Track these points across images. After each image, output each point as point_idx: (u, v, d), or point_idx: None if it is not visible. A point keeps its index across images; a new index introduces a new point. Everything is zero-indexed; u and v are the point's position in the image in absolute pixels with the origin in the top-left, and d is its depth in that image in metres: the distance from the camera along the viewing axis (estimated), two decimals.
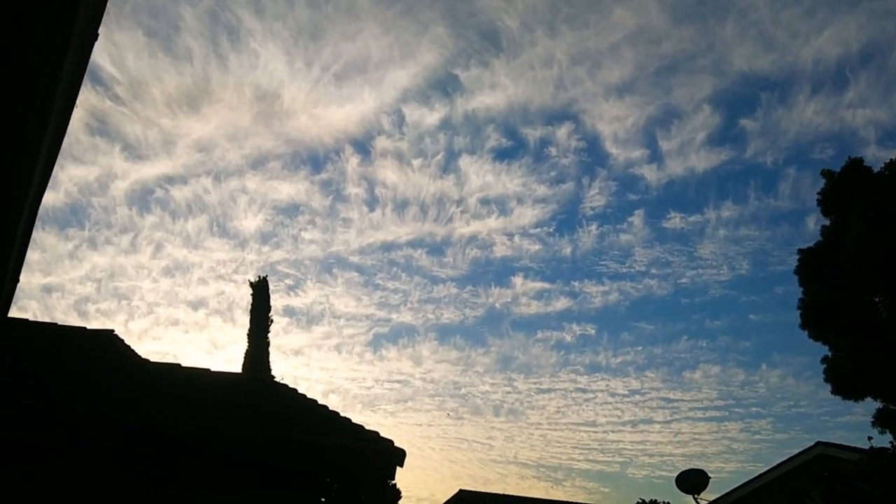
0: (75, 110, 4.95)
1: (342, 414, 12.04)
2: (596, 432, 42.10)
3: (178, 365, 12.75)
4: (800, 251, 19.59)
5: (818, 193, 19.55)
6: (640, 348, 44.28)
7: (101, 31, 4.44)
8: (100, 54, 32.93)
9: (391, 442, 11.23)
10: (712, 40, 37.24)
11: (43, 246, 36.35)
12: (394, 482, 12.15)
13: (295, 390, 12.86)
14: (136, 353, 12.63)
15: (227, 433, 10.42)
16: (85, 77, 4.85)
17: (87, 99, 33.12)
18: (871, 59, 35.77)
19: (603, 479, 44.11)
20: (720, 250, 41.71)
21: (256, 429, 10.57)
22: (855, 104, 37.05)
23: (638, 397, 42.45)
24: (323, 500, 10.83)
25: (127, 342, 13.02)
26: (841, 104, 37.59)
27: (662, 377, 43.37)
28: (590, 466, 42.45)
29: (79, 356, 11.99)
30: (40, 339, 12.37)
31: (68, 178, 34.95)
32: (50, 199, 34.62)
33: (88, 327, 13.42)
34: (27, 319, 12.81)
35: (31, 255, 35.51)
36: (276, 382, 13.48)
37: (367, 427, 11.68)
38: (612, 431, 42.11)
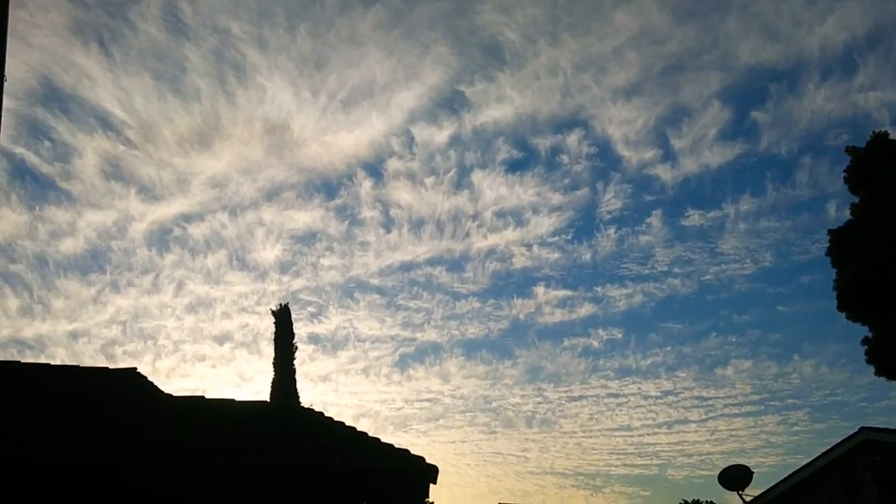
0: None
1: (373, 435, 11.85)
2: (631, 436, 41.27)
3: (203, 398, 12.63)
4: (830, 232, 19.09)
5: (844, 171, 19.05)
6: (669, 348, 43.42)
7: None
8: (108, 99, 33.36)
9: (423, 459, 10.99)
10: (716, 36, 36.87)
11: (66, 293, 36.71)
12: (431, 500, 11.91)
13: (321, 414, 12.67)
14: (160, 389, 12.53)
15: (253, 462, 10.26)
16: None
17: (99, 145, 33.52)
18: (877, 42, 35.23)
19: (642, 482, 43.34)
20: (742, 244, 40.85)
21: (283, 456, 10.39)
22: (865, 87, 36.39)
23: (671, 398, 41.63)
24: None
25: (152, 380, 12.93)
26: (851, 89, 36.92)
27: (694, 376, 42.58)
28: (628, 471, 41.66)
29: (104, 396, 11.91)
30: (65, 382, 12.32)
31: (86, 224, 35.31)
32: (70, 245, 34.93)
33: (111, 367, 13.34)
34: (49, 364, 12.76)
35: (56, 302, 35.71)
36: (301, 407, 13.29)
37: (397, 446, 11.48)
38: (648, 434, 41.25)
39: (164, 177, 36.34)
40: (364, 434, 11.92)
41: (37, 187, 35.64)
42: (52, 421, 10.60)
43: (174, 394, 12.74)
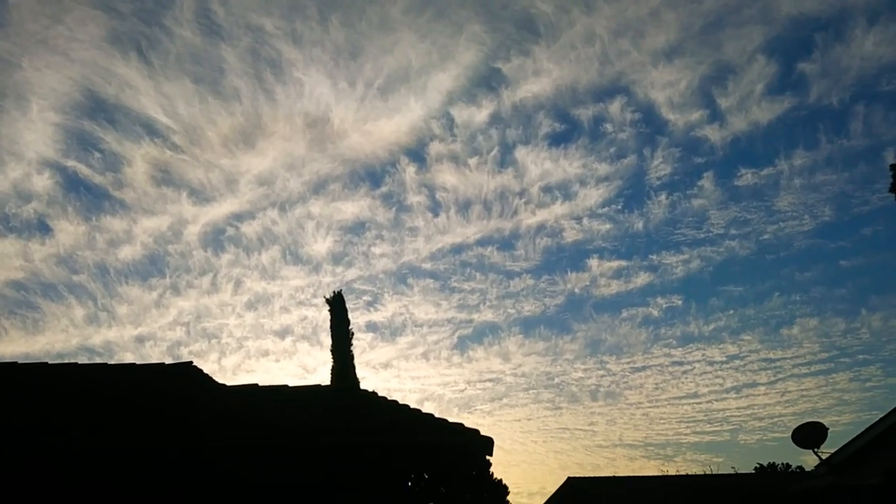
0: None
1: (426, 412, 11.77)
2: (699, 403, 40.36)
3: (256, 385, 12.73)
4: (892, 167, 18.18)
5: None
6: (731, 312, 42.21)
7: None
8: (152, 106, 33.99)
9: (477, 431, 10.87)
10: None
11: (129, 299, 37.82)
12: (499, 478, 11.76)
13: (374, 393, 12.65)
14: (214, 381, 12.65)
15: (308, 443, 10.29)
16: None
17: (147, 152, 34.26)
18: None
19: (714, 449, 42.47)
20: (799, 200, 39.31)
21: (332, 436, 10.37)
22: None
23: (737, 362, 40.55)
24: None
25: (210, 374, 13.05)
26: None
27: (759, 338, 41.35)
28: (699, 438, 40.82)
29: (161, 389, 12.08)
30: (124, 379, 12.53)
31: (142, 231, 36.32)
32: (128, 252, 35.88)
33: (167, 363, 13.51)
34: (107, 363, 12.94)
35: (119, 308, 36.67)
36: (350, 388, 13.29)
37: (451, 421, 11.37)
38: (717, 400, 40.26)
39: (212, 178, 37.13)
40: (417, 410, 11.86)
41: (91, 198, 36.77)
42: (111, 415, 10.80)
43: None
